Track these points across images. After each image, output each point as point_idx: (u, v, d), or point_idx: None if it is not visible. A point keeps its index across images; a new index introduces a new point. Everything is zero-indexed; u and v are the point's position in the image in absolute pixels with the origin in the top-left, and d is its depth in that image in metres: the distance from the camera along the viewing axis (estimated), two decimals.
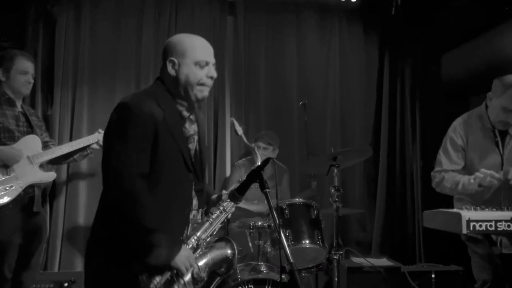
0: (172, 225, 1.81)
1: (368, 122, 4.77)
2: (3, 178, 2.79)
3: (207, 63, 1.89)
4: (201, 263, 1.86)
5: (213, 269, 1.92)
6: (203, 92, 1.89)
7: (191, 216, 1.92)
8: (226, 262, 1.96)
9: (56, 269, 3.84)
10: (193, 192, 1.93)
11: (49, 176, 3.06)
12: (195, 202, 1.95)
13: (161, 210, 1.77)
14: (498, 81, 2.64)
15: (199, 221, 1.97)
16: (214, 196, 2.08)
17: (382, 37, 4.86)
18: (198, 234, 1.89)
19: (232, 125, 2.04)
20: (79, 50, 4.14)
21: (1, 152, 2.78)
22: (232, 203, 1.97)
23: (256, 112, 4.52)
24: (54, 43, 4.09)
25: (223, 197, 2.01)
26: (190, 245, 1.86)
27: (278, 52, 4.62)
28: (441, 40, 4.70)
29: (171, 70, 1.86)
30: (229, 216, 2.02)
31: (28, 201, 2.90)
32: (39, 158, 2.96)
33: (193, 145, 1.93)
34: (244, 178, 1.93)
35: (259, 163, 1.88)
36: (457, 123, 2.79)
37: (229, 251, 1.96)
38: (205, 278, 1.86)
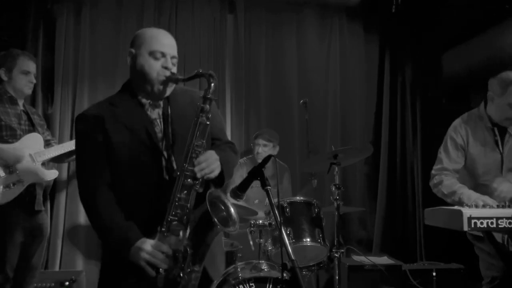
0: (144, 215, 1.78)
1: (369, 120, 4.77)
2: (5, 177, 2.79)
3: (163, 55, 1.84)
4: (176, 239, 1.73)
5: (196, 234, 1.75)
6: (167, 86, 1.85)
7: (173, 200, 1.76)
8: (208, 222, 1.73)
9: (57, 268, 3.85)
10: (167, 175, 1.83)
11: (51, 174, 3.06)
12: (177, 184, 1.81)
13: (127, 199, 1.78)
14: (496, 80, 2.65)
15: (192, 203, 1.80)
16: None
17: (382, 36, 4.85)
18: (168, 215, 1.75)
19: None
20: (79, 49, 4.14)
21: (2, 152, 2.78)
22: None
23: (257, 111, 4.51)
24: (55, 42, 4.09)
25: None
26: (158, 233, 1.74)
27: (279, 50, 4.62)
28: (441, 38, 4.70)
29: (130, 62, 1.89)
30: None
31: (29, 200, 2.90)
32: (41, 156, 2.97)
33: (159, 129, 1.87)
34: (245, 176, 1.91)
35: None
36: (457, 122, 2.81)
37: (205, 207, 1.72)
38: (187, 251, 1.73)
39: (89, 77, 4.15)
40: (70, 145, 3.17)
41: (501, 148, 2.68)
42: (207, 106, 1.79)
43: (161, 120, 1.89)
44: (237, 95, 4.47)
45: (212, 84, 1.80)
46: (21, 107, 3.00)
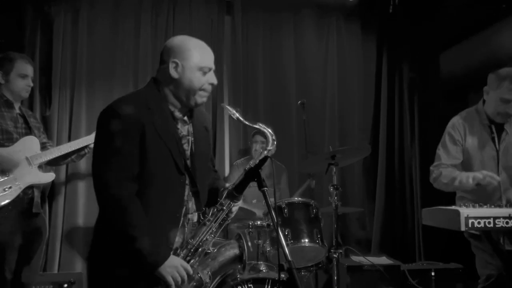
0: (163, 228, 1.79)
1: (367, 120, 4.77)
2: (1, 180, 2.79)
3: (209, 69, 1.87)
4: (205, 269, 1.83)
5: (224, 271, 1.91)
6: (202, 98, 1.88)
7: (186, 220, 1.88)
8: (236, 261, 1.90)
9: (55, 270, 3.84)
10: (188, 195, 1.89)
11: (48, 177, 3.06)
12: (191, 205, 1.91)
13: (150, 213, 1.75)
14: (494, 75, 2.70)
15: (197, 224, 1.94)
16: (221, 190, 2.03)
17: (380, 35, 4.86)
18: (192, 239, 1.85)
19: (229, 119, 2.01)
20: (76, 51, 4.13)
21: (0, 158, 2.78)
22: (230, 201, 1.91)
23: (255, 112, 4.51)
24: (52, 44, 4.08)
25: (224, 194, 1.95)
26: (183, 253, 1.82)
27: (276, 51, 4.62)
28: (439, 37, 4.71)
29: (173, 72, 1.83)
30: (232, 214, 1.95)
31: (27, 202, 2.89)
32: (38, 159, 2.96)
33: (187, 146, 1.89)
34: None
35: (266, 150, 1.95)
36: (456, 119, 2.85)
37: (235, 251, 1.90)
38: (208, 285, 1.84)
39: (87, 79, 4.14)
40: (66, 148, 3.16)
41: (497, 145, 2.71)
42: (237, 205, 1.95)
43: (190, 138, 1.91)
44: (235, 96, 4.46)
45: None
46: (17, 111, 3.00)
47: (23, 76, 2.98)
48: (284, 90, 4.60)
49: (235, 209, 1.95)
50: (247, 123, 1.93)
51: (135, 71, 4.24)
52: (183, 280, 1.74)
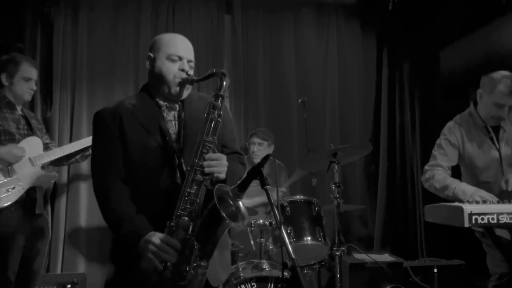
0: (155, 211, 1.81)
1: (368, 117, 4.77)
2: (5, 180, 2.80)
3: (180, 58, 1.93)
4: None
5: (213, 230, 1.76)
6: (179, 87, 1.92)
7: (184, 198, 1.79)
8: (217, 216, 1.71)
9: (58, 271, 3.84)
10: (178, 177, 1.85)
11: (51, 177, 3.07)
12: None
13: (141, 196, 1.83)
14: (487, 78, 2.69)
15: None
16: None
17: (380, 33, 4.86)
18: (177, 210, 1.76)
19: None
20: (77, 52, 4.14)
21: (2, 151, 2.78)
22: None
23: (255, 110, 4.51)
24: (52, 45, 4.08)
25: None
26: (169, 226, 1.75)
27: (276, 50, 4.62)
28: (439, 35, 4.71)
29: (148, 65, 1.97)
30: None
31: (30, 203, 2.90)
32: (41, 159, 2.97)
33: (173, 130, 1.93)
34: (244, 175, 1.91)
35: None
36: (451, 124, 2.86)
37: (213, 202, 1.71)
38: (196, 247, 1.73)
39: (88, 79, 4.14)
40: (69, 148, 3.18)
41: (497, 145, 2.71)
42: (219, 102, 1.85)
43: (176, 122, 1.96)
44: (236, 95, 4.47)
45: (224, 82, 1.87)
46: (20, 112, 3.01)
47: (27, 80, 2.99)
48: (284, 88, 4.59)
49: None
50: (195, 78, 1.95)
51: (135, 71, 4.24)
52: (167, 253, 1.69)
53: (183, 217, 1.75)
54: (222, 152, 1.97)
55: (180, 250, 1.72)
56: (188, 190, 1.76)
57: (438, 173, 2.73)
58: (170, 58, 1.92)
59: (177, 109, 1.98)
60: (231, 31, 4.53)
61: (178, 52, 1.93)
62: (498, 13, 4.13)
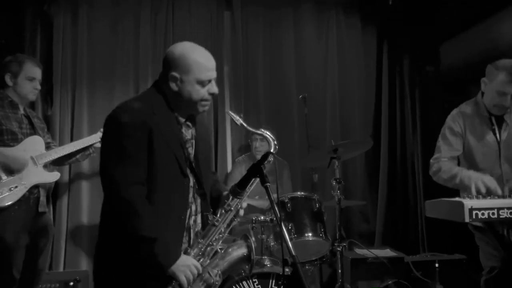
0: (169, 231, 1.80)
1: (368, 113, 4.77)
2: (7, 179, 2.81)
3: (209, 81, 1.88)
4: (215, 269, 1.86)
5: (232, 271, 1.95)
6: (204, 107, 1.92)
7: (191, 222, 1.91)
8: (244, 261, 1.94)
9: (61, 269, 3.86)
10: (192, 197, 1.92)
11: (53, 176, 3.08)
12: (194, 207, 1.93)
13: (157, 215, 1.77)
14: (492, 66, 2.68)
15: (200, 225, 1.97)
16: (225, 193, 2.05)
17: (380, 28, 4.85)
18: (203, 240, 1.89)
19: (231, 118, 2.01)
20: (77, 50, 4.14)
21: (6, 158, 2.79)
22: (238, 200, 1.94)
23: (256, 107, 4.51)
24: (52, 44, 4.08)
25: (226, 198, 2.00)
26: (193, 253, 1.86)
27: (276, 46, 4.61)
28: (439, 29, 4.69)
29: (173, 86, 1.86)
30: (241, 213, 2.00)
31: (33, 202, 2.92)
32: (43, 158, 2.98)
33: (191, 150, 1.93)
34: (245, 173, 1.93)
35: (270, 149, 1.97)
36: (455, 112, 2.84)
37: (244, 250, 1.94)
38: (218, 283, 1.87)
39: (88, 77, 4.15)
40: (71, 147, 3.19)
41: (498, 137, 2.70)
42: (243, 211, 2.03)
43: (193, 141, 1.96)
44: (236, 92, 4.46)
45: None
46: (22, 111, 3.01)
47: (31, 79, 2.99)
48: (284, 85, 4.59)
49: (242, 212, 2.00)
50: (250, 129, 1.96)
51: (135, 69, 4.24)
52: (194, 279, 1.79)
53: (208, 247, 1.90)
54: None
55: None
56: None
57: (444, 164, 2.73)
58: (202, 84, 1.86)
59: (192, 127, 1.96)
60: (231, 27, 4.52)
61: (210, 77, 1.87)
62: (499, 7, 4.10)
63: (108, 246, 1.83)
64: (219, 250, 1.91)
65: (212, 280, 1.83)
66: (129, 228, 1.73)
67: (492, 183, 2.43)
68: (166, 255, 1.74)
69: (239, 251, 1.94)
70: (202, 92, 1.86)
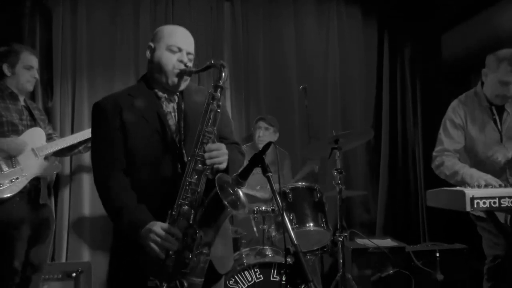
0: (156, 201, 1.81)
1: (369, 103, 4.76)
2: (8, 171, 2.81)
3: (179, 49, 1.94)
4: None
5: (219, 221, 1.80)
6: (180, 79, 1.93)
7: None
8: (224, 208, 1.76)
9: (63, 260, 3.88)
10: (181, 167, 1.86)
11: (54, 167, 3.08)
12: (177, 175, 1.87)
13: (141, 187, 1.84)
14: (493, 56, 2.67)
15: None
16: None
17: (380, 19, 4.82)
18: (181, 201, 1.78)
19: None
20: (76, 41, 4.12)
21: (4, 143, 2.79)
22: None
23: (256, 98, 4.50)
24: (52, 34, 4.06)
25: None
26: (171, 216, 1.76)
27: (277, 37, 4.59)
28: (440, 19, 4.67)
29: (148, 55, 1.98)
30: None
31: (34, 194, 2.92)
32: (44, 150, 2.98)
33: (172, 122, 1.93)
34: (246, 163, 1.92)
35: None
36: (455, 103, 2.83)
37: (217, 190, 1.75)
38: (192, 231, 1.75)
39: (88, 68, 4.13)
40: (72, 139, 3.19)
41: (499, 127, 2.70)
42: (218, 94, 1.85)
43: (175, 114, 1.97)
44: (236, 83, 4.45)
45: (223, 74, 1.86)
46: (22, 103, 3.01)
47: (29, 68, 2.99)
48: (285, 76, 4.57)
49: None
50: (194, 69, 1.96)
51: (135, 59, 4.22)
52: (168, 242, 1.70)
53: (184, 206, 1.76)
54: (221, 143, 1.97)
55: (182, 239, 1.74)
56: (189, 179, 1.77)
57: (447, 159, 2.73)
58: (169, 49, 1.93)
59: (176, 101, 1.99)
60: (231, 18, 4.50)
61: (178, 43, 1.94)
62: None
63: (117, 236, 1.95)
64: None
65: (197, 235, 1.74)
66: (105, 207, 1.83)
67: (495, 183, 2.42)
68: (133, 224, 1.75)
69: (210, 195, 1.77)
70: (171, 59, 1.92)
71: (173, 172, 1.86)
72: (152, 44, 1.97)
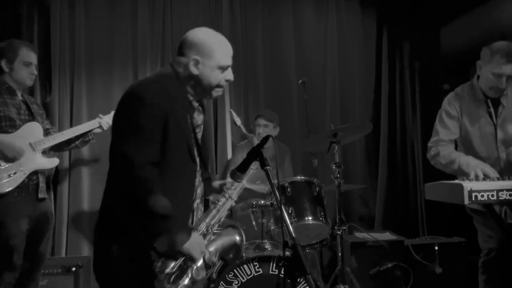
0: (177, 213, 1.82)
1: (368, 97, 4.76)
2: (6, 166, 2.81)
3: (228, 67, 1.94)
4: (211, 248, 1.91)
5: (222, 255, 1.98)
6: (218, 93, 1.97)
7: (194, 205, 1.96)
8: (234, 248, 2.01)
9: (63, 254, 3.89)
10: (198, 181, 1.95)
11: (52, 162, 3.08)
12: (199, 191, 1.97)
13: (168, 198, 1.78)
14: (487, 49, 2.66)
15: (202, 209, 2.01)
16: (217, 183, 2.11)
17: (379, 11, 4.80)
18: (206, 220, 1.94)
19: (231, 115, 2.08)
20: (74, 35, 4.10)
21: (1, 145, 2.78)
22: (237, 190, 2.04)
23: (255, 92, 4.49)
24: (50, 29, 4.05)
25: (227, 185, 2.06)
26: (200, 231, 1.90)
27: (275, 30, 4.58)
28: (439, 12, 4.65)
29: (193, 69, 1.88)
30: (234, 204, 2.08)
31: (33, 188, 2.92)
32: (41, 144, 2.98)
33: (200, 135, 1.96)
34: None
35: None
36: (451, 95, 2.84)
37: (237, 238, 2.01)
38: (217, 263, 1.95)
39: (86, 63, 4.12)
40: (70, 133, 3.18)
41: (494, 120, 2.69)
42: None
43: (202, 127, 1.99)
44: (235, 77, 4.35)
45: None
46: (20, 97, 3.00)
47: (27, 64, 2.98)
48: (284, 69, 4.56)
49: (236, 196, 2.09)
50: (245, 132, 2.29)
51: (133, 53, 4.21)
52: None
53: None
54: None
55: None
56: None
57: (442, 149, 2.73)
58: (221, 68, 1.91)
59: (202, 112, 1.99)
60: (229, 10, 4.47)
61: (228, 62, 1.93)
62: None
63: (115, 226, 1.80)
64: (215, 233, 1.98)
65: (213, 259, 1.89)
66: (144, 207, 1.71)
67: (491, 172, 2.42)
68: (181, 234, 1.77)
69: (232, 237, 2.01)
70: (220, 78, 1.91)
71: (192, 184, 1.91)
72: (198, 58, 1.87)
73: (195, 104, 1.94)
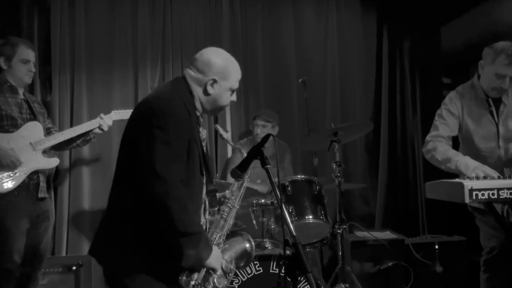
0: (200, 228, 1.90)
1: (368, 96, 4.75)
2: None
3: (235, 90, 2.03)
4: (226, 256, 1.99)
5: (236, 263, 2.05)
6: (220, 112, 2.09)
7: (205, 217, 2.03)
8: (246, 255, 2.07)
9: (63, 253, 3.89)
10: (205, 194, 2.00)
11: (52, 162, 3.08)
12: (207, 203, 2.03)
13: None
14: (489, 49, 2.66)
15: (208, 220, 2.07)
16: (219, 196, 2.15)
17: (380, 10, 4.80)
18: (217, 230, 1.99)
19: (217, 130, 2.25)
20: (75, 34, 4.10)
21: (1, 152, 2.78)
22: (238, 198, 2.07)
23: (255, 91, 4.49)
24: (50, 28, 4.05)
25: (227, 195, 2.11)
26: (214, 242, 1.96)
27: (275, 29, 4.57)
28: (440, 11, 4.64)
29: (209, 88, 1.93)
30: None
31: (33, 188, 2.92)
32: (42, 144, 2.98)
33: (205, 148, 2.00)
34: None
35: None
36: (452, 94, 2.83)
37: (247, 245, 2.07)
38: (234, 269, 2.02)
39: (86, 62, 4.12)
40: (70, 133, 3.17)
41: (496, 119, 2.69)
42: None
43: (206, 141, 2.11)
44: None
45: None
46: (21, 96, 3.00)
47: (25, 62, 2.98)
48: (284, 68, 4.56)
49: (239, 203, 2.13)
50: (232, 144, 2.47)
51: (133, 52, 4.21)
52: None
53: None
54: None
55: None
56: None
57: (440, 145, 2.71)
58: (231, 91, 2.00)
59: (204, 127, 2.05)
60: (230, 10, 4.47)
61: (237, 85, 2.02)
62: None
63: (140, 239, 1.79)
64: (225, 242, 2.04)
65: (230, 267, 1.99)
66: (178, 223, 1.72)
67: (493, 173, 2.40)
68: (206, 249, 1.82)
69: (242, 245, 2.08)
70: (228, 99, 2.00)
71: (201, 197, 1.95)
72: (216, 78, 1.93)
73: (201, 120, 2.01)
